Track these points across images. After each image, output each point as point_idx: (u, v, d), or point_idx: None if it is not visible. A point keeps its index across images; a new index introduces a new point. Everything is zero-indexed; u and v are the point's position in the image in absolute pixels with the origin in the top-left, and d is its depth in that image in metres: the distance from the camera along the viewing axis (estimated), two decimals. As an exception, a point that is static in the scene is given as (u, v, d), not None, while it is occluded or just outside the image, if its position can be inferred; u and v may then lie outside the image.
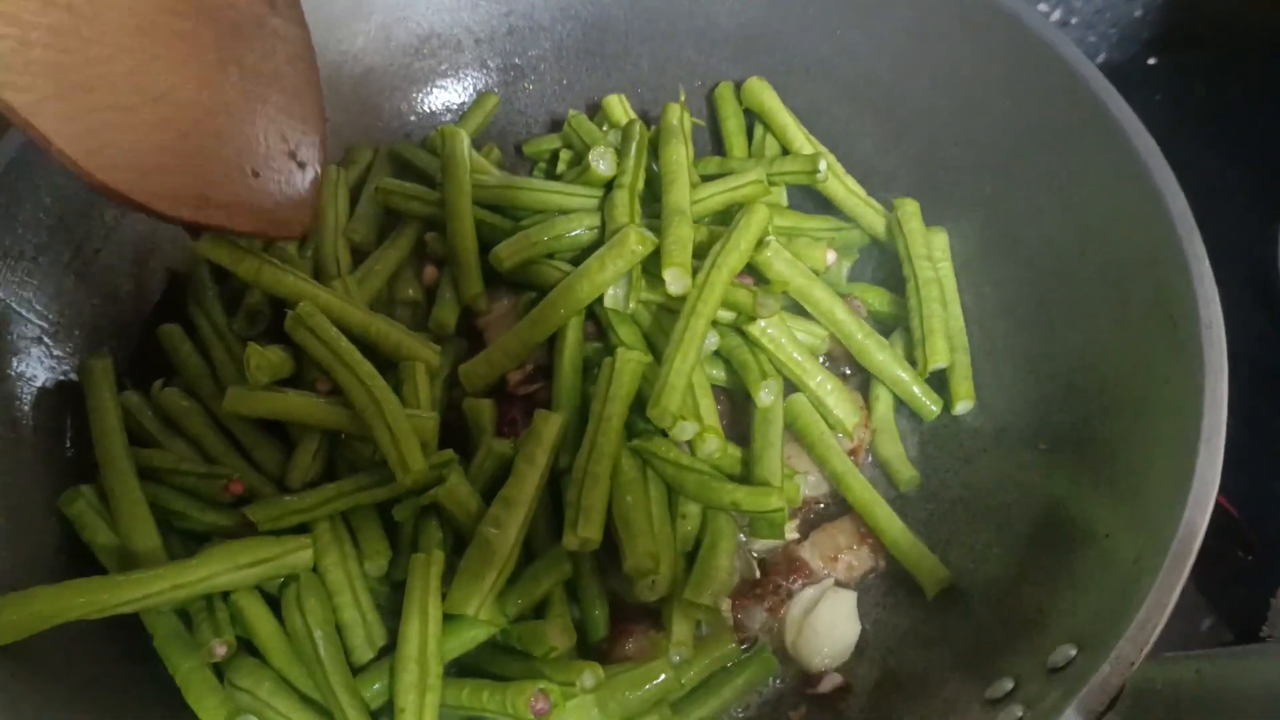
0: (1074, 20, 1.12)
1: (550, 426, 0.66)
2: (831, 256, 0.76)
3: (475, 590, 0.61)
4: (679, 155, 0.75)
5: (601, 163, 0.76)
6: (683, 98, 0.81)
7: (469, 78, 0.87)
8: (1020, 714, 0.51)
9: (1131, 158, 0.64)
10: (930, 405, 0.72)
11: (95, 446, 0.67)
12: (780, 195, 0.81)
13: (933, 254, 0.77)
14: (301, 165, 0.72)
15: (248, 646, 0.63)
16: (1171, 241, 0.60)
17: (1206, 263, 0.60)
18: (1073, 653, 0.52)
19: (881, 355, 0.73)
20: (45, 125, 0.55)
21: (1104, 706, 0.48)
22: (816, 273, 0.74)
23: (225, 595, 0.64)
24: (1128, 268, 0.64)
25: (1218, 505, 0.80)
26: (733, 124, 0.83)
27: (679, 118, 0.78)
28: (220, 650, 0.62)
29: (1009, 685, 0.55)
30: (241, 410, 0.68)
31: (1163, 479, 0.55)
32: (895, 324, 0.77)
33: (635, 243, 0.69)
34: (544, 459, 0.65)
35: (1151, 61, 1.14)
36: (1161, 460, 0.56)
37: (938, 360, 0.72)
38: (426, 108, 0.87)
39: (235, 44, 0.67)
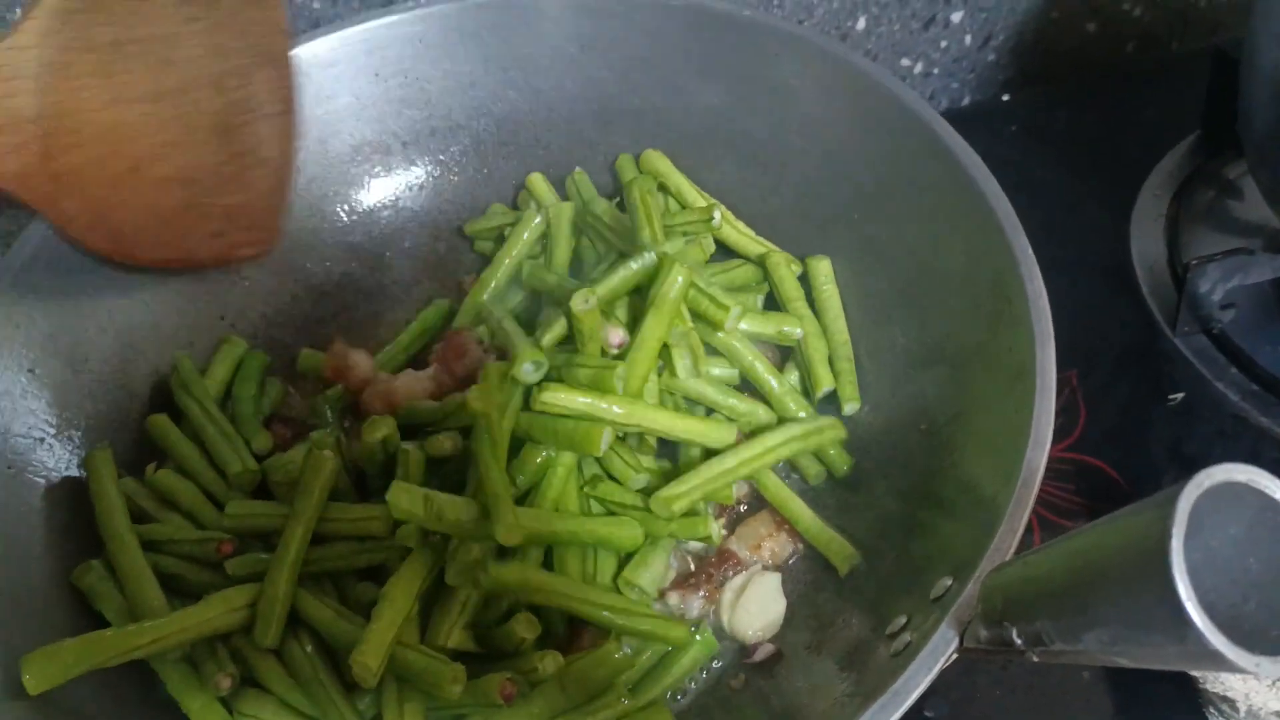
0: (935, 71, 1.26)
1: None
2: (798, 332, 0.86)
3: (444, 622, 0.70)
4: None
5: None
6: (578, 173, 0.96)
7: (399, 175, 0.98)
8: (909, 638, 0.61)
9: (962, 174, 0.76)
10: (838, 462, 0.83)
11: (100, 526, 0.76)
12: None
13: (816, 282, 0.88)
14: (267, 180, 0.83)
15: (250, 681, 0.71)
16: (1001, 238, 0.72)
17: (1030, 251, 0.71)
18: (949, 583, 0.62)
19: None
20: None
21: (969, 616, 0.57)
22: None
23: (226, 638, 0.72)
24: (972, 264, 0.75)
25: (1102, 472, 0.92)
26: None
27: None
28: (225, 683, 0.69)
29: (903, 620, 0.64)
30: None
31: (1011, 430, 0.65)
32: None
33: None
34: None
35: (1007, 99, 1.28)
36: (1011, 418, 0.66)
37: (822, 387, 0.84)
38: (364, 205, 0.98)
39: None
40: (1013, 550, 0.60)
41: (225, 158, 0.79)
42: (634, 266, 0.78)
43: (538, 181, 0.97)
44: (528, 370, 0.76)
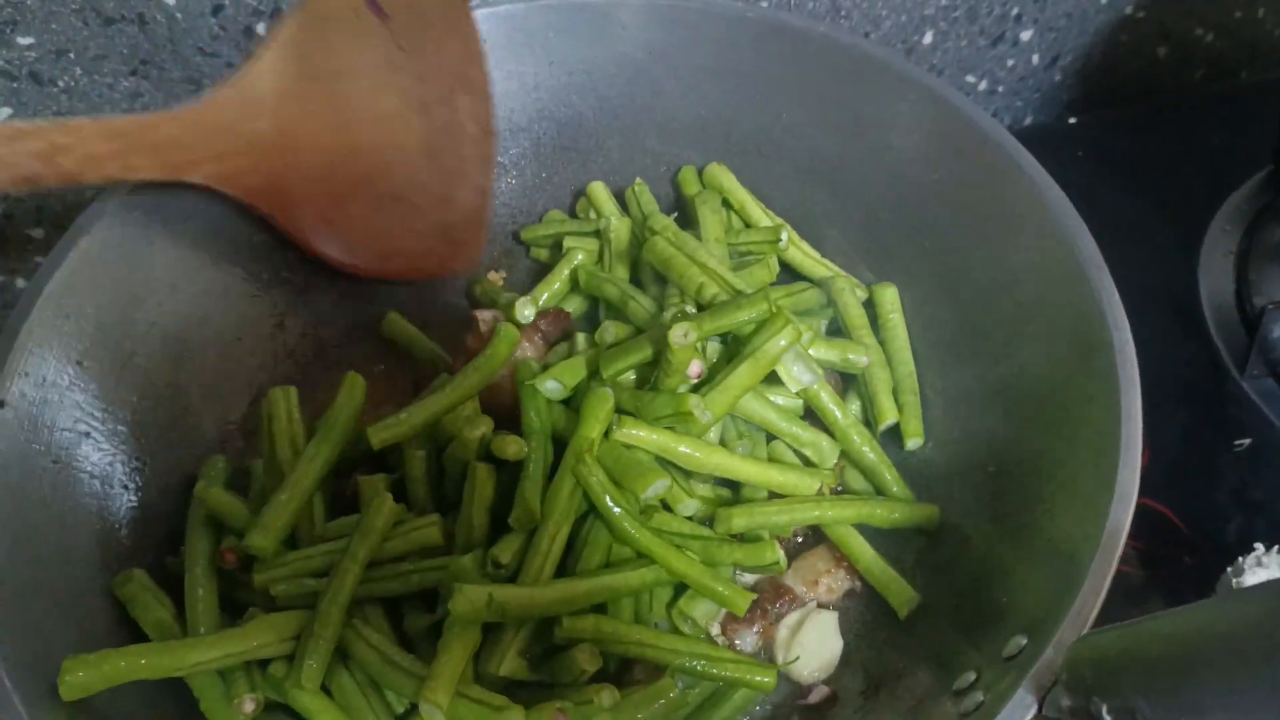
0: (1000, 89, 1.23)
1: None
2: (864, 359, 0.83)
3: (498, 649, 0.68)
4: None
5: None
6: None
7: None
8: (981, 698, 0.59)
9: (1043, 208, 0.73)
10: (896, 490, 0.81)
11: (188, 536, 0.76)
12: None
13: (881, 310, 0.86)
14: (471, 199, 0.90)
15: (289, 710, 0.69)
16: (1083, 279, 0.70)
17: (1116, 295, 0.69)
18: (1024, 642, 0.60)
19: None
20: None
21: (1051, 681, 0.55)
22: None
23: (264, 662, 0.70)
24: (1049, 304, 0.73)
25: (1163, 516, 0.90)
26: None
27: None
28: (249, 707, 0.67)
29: (972, 677, 0.62)
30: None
31: (1092, 484, 0.63)
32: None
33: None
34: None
35: (1073, 121, 1.25)
36: (1090, 468, 0.64)
37: (886, 419, 0.81)
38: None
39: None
40: (1095, 612, 0.58)
41: (434, 178, 0.87)
42: (742, 315, 0.74)
43: (599, 190, 0.95)
44: (551, 388, 0.77)
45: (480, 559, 0.70)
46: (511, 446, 0.74)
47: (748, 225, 0.90)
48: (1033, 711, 0.55)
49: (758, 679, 0.69)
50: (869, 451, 0.79)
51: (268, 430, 0.80)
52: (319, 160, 0.80)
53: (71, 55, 0.94)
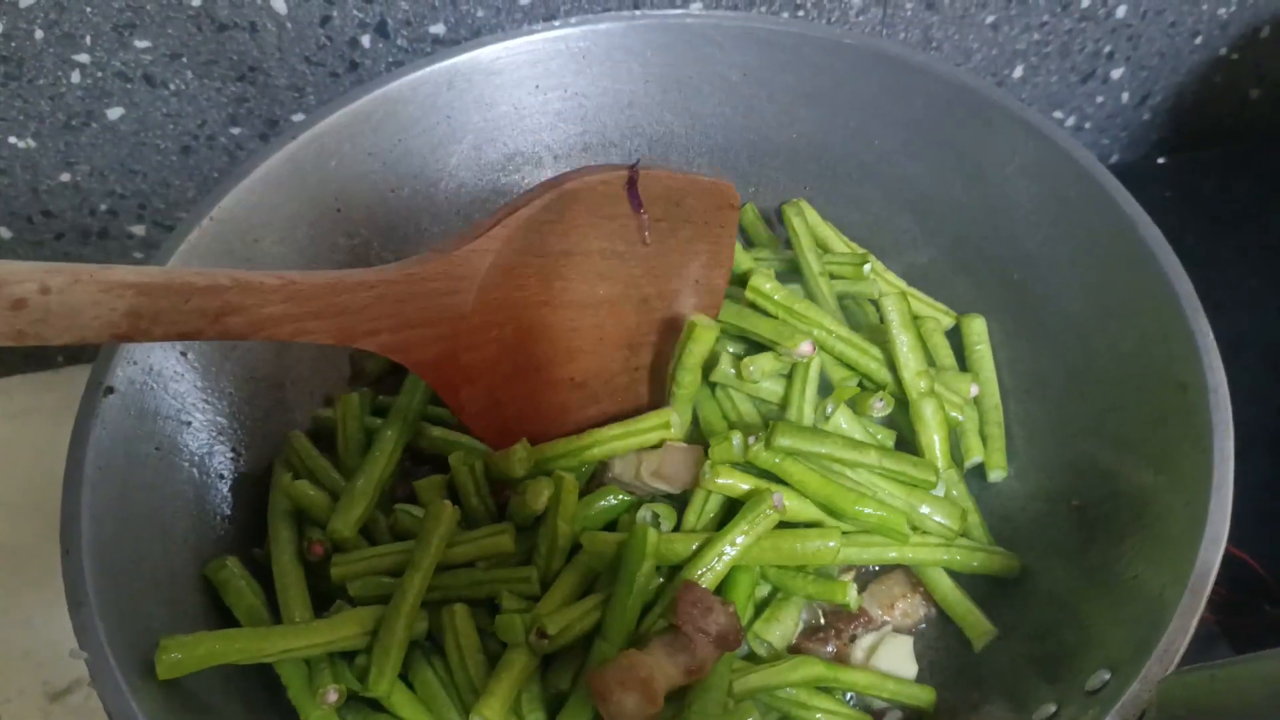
0: (1088, 125, 1.22)
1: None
2: (975, 389, 0.84)
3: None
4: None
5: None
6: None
7: (549, 189, 0.98)
8: (1064, 729, 0.59)
9: (1140, 246, 0.73)
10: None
11: (270, 522, 0.78)
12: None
13: (968, 341, 0.86)
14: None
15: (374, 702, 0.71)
16: (1179, 318, 0.69)
17: (1210, 336, 0.68)
18: (1107, 676, 0.60)
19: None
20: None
21: (1136, 715, 0.55)
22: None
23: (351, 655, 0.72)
24: (1142, 342, 0.73)
25: (1245, 564, 0.88)
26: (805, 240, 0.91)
27: None
28: (332, 697, 0.69)
29: (1052, 709, 0.62)
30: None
31: (1181, 524, 0.63)
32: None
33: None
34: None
35: (1161, 161, 1.24)
36: (1179, 508, 0.64)
37: (971, 456, 0.81)
38: (511, 216, 0.98)
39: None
40: (1181, 651, 0.57)
41: (622, 369, 0.81)
42: (878, 407, 0.80)
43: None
44: (645, 517, 0.76)
45: (528, 623, 0.69)
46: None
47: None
48: (1119, 746, 0.55)
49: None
50: (955, 492, 0.80)
51: (342, 430, 0.82)
52: (510, 338, 0.73)
53: (184, 59, 0.97)
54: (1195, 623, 0.58)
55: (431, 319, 0.68)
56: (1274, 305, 1.03)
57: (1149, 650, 0.57)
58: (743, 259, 0.88)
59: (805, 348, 0.77)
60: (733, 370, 0.80)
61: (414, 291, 0.66)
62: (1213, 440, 0.64)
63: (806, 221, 0.89)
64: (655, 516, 0.75)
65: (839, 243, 0.91)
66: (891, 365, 0.81)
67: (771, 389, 0.81)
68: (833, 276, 0.87)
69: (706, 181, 0.79)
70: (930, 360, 0.82)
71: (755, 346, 0.82)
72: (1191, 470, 0.64)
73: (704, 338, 0.78)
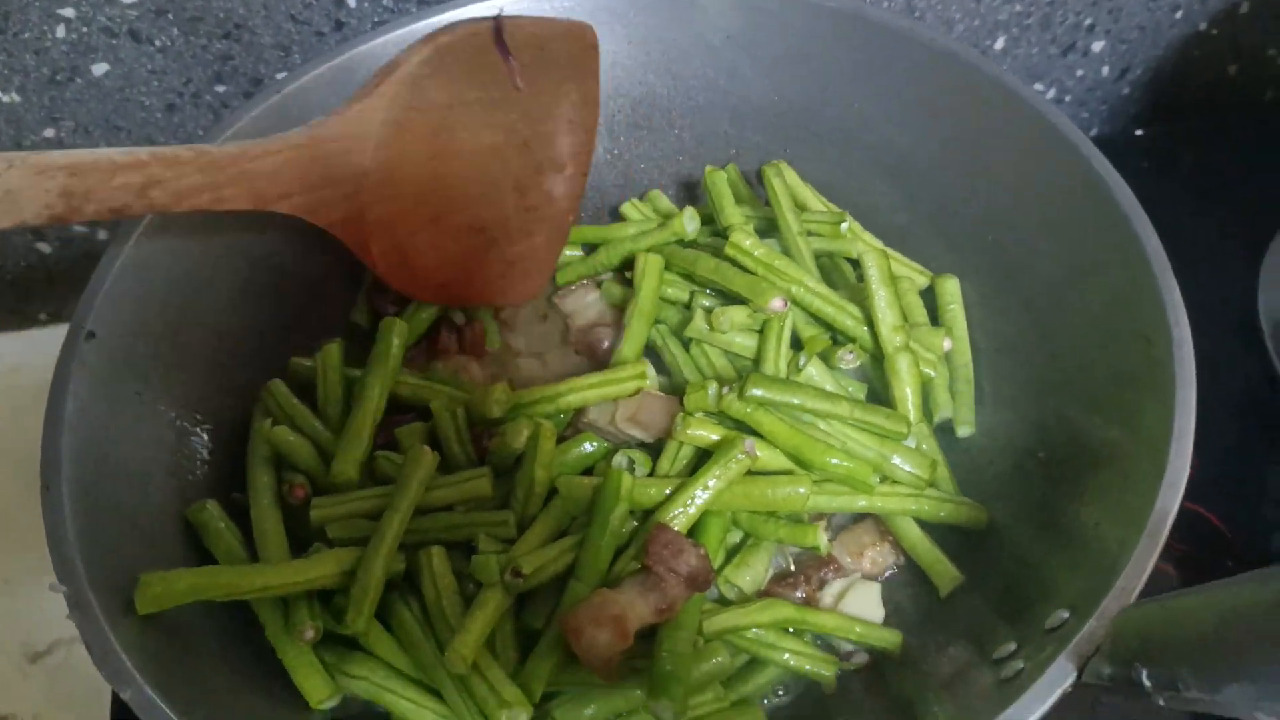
0: (1068, 98, 1.23)
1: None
2: (948, 344, 0.85)
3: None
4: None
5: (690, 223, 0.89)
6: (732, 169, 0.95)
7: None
8: (1021, 666, 0.60)
9: (1112, 206, 0.74)
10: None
11: (249, 466, 0.80)
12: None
13: (942, 301, 0.87)
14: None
15: (351, 641, 0.72)
16: (1148, 275, 0.71)
17: (1177, 291, 0.70)
18: (1066, 615, 0.61)
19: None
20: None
21: (1092, 650, 0.56)
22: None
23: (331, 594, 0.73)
24: (1112, 300, 0.74)
25: (1210, 522, 0.90)
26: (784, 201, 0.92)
27: None
28: (309, 634, 0.70)
29: (1012, 647, 0.64)
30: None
31: (1142, 473, 0.64)
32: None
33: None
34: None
35: (1139, 133, 1.25)
36: (1141, 457, 0.65)
37: (940, 412, 0.83)
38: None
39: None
40: (1138, 590, 0.59)
41: (516, 210, 0.87)
42: (848, 359, 0.82)
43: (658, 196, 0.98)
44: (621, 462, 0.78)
45: (503, 563, 0.71)
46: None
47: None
48: (1072, 679, 0.56)
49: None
50: (925, 446, 0.81)
51: (322, 378, 0.83)
52: (408, 192, 0.79)
53: (170, 15, 0.98)
54: (1152, 564, 0.60)
55: (335, 179, 0.74)
56: (1246, 274, 1.04)
57: (1107, 589, 0.59)
58: (732, 214, 0.89)
59: (777, 303, 0.79)
60: (707, 326, 0.81)
61: (317, 154, 0.73)
62: (1175, 390, 0.65)
63: (786, 182, 0.90)
64: (630, 462, 0.76)
65: (818, 204, 0.92)
66: (868, 321, 0.82)
67: (746, 344, 0.82)
68: (811, 235, 0.88)
69: (565, 23, 0.84)
70: (905, 317, 0.83)
71: (730, 302, 0.83)
72: (1154, 421, 0.65)
73: (653, 269, 0.82)
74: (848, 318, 0.82)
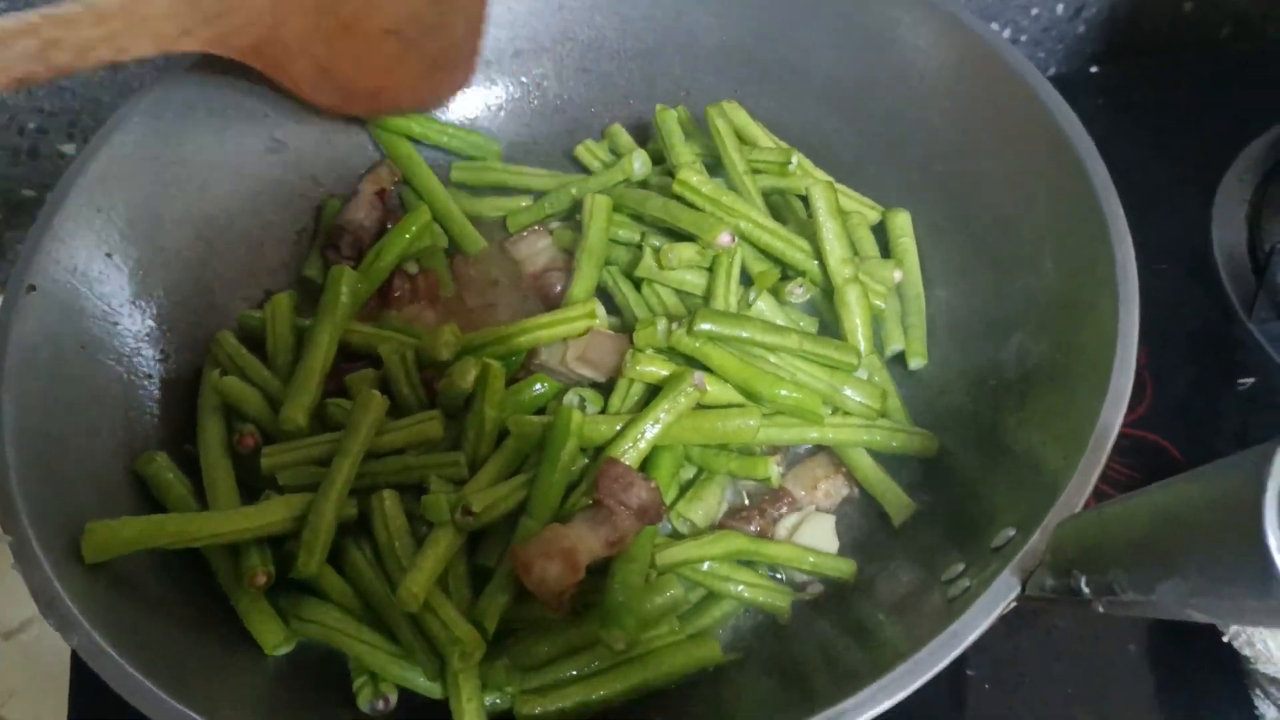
0: (1023, 38, 1.23)
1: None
2: (898, 274, 0.85)
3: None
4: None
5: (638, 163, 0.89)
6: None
7: (479, 94, 0.97)
8: (968, 584, 0.61)
9: (1057, 132, 0.74)
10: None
11: (200, 414, 0.79)
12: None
13: (893, 235, 0.87)
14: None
15: (304, 587, 0.72)
16: (1092, 200, 0.71)
17: (1121, 214, 0.70)
18: (1011, 533, 0.61)
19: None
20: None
21: (1034, 565, 0.57)
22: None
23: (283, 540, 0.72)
24: (1059, 225, 0.74)
25: (1166, 450, 0.91)
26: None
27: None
28: (260, 579, 0.70)
29: (961, 567, 0.64)
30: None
31: (1087, 394, 0.64)
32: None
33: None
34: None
35: (1094, 70, 1.25)
36: (1088, 379, 0.65)
37: (891, 345, 0.83)
38: (443, 119, 0.98)
39: None
40: (1080, 508, 0.59)
41: (427, 6, 0.85)
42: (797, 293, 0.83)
43: (619, 133, 0.96)
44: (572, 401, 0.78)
45: (454, 503, 0.71)
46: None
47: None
48: (1016, 592, 0.56)
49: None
50: (877, 378, 0.81)
51: (271, 329, 0.83)
52: (311, 7, 0.79)
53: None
54: (1094, 479, 0.60)
55: (232, 7, 0.74)
56: (1200, 210, 1.04)
57: (1050, 504, 0.59)
58: (681, 152, 0.89)
59: (725, 238, 0.78)
60: (656, 264, 0.81)
61: None
62: (1118, 309, 0.65)
63: (731, 121, 0.89)
64: (581, 400, 0.76)
65: (768, 141, 0.91)
66: (818, 255, 0.82)
67: (696, 281, 0.82)
68: (759, 172, 0.88)
69: None
70: (855, 250, 0.83)
71: (680, 240, 0.83)
72: (1098, 341, 0.66)
73: (600, 210, 0.82)
74: (797, 251, 0.82)
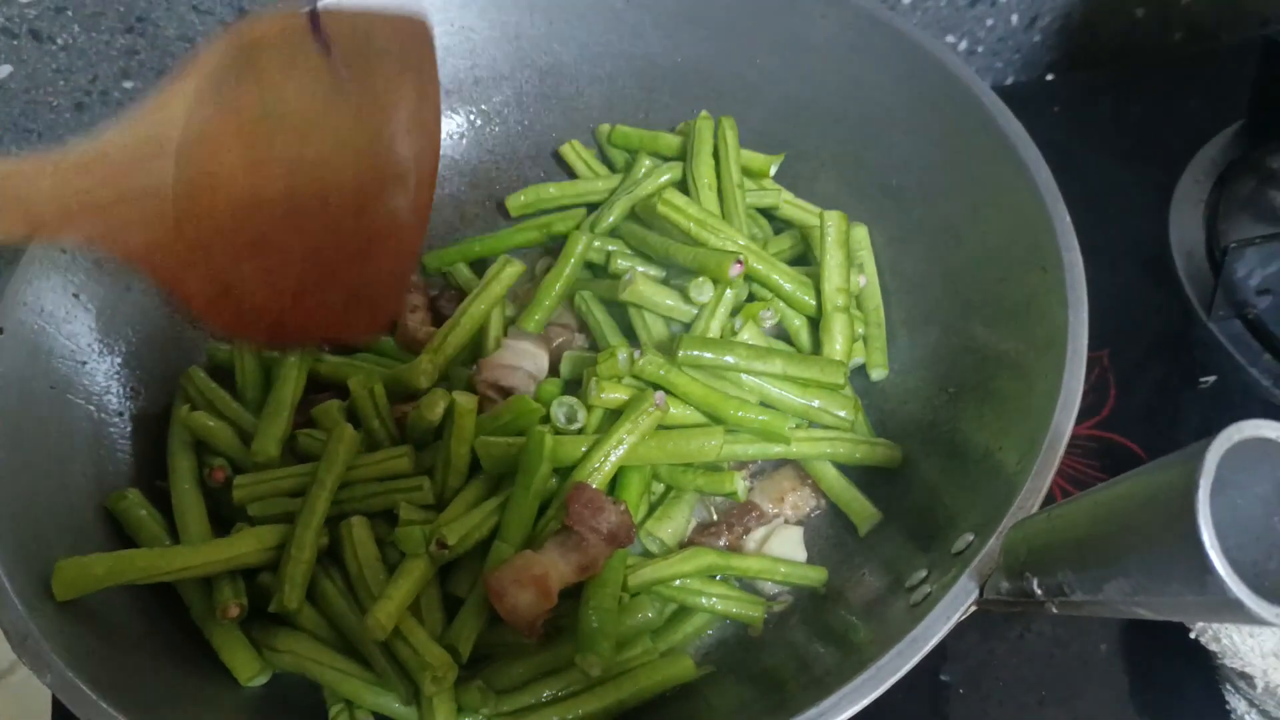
0: (980, 49, 1.25)
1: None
2: (863, 281, 0.86)
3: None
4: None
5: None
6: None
7: (443, 123, 0.99)
8: (929, 590, 0.62)
9: (1003, 141, 0.76)
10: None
11: (170, 448, 0.80)
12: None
13: (854, 246, 0.88)
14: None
15: (276, 617, 0.72)
16: (1040, 206, 0.72)
17: (1068, 219, 0.71)
18: (971, 538, 0.63)
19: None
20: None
21: (991, 569, 0.58)
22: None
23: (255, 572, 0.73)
24: (1010, 232, 0.76)
25: (1130, 451, 0.92)
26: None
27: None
28: (234, 611, 0.70)
29: (923, 573, 0.65)
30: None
31: (1041, 397, 0.66)
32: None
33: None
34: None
35: (1050, 78, 1.27)
36: (1040, 383, 0.67)
37: (854, 359, 0.84)
38: (407, 151, 0.99)
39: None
40: (1036, 508, 0.60)
41: (355, 232, 0.74)
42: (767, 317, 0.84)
43: (568, 152, 0.99)
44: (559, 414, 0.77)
45: (428, 535, 0.71)
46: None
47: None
48: (974, 596, 0.57)
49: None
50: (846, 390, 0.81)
51: (240, 362, 0.84)
52: (222, 211, 0.68)
53: (69, 12, 0.97)
54: (1048, 482, 0.61)
55: (130, 196, 0.63)
56: (1158, 212, 1.06)
57: (1006, 509, 0.60)
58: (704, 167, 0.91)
59: (735, 269, 0.80)
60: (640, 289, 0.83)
61: (105, 167, 0.61)
62: (1068, 311, 0.67)
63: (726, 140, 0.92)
64: (571, 410, 0.76)
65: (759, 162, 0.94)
66: (813, 279, 0.85)
67: (684, 308, 0.83)
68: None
69: (395, 15, 0.73)
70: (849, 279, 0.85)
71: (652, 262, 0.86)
72: (1049, 344, 0.67)
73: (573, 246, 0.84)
74: (788, 281, 0.84)
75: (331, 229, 0.73)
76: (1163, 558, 0.44)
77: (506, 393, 0.79)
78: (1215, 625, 0.74)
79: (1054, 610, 0.53)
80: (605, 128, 0.99)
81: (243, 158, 0.67)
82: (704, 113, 0.93)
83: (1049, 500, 0.60)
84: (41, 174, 0.59)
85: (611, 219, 0.90)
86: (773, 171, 0.91)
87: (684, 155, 0.93)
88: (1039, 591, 0.53)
